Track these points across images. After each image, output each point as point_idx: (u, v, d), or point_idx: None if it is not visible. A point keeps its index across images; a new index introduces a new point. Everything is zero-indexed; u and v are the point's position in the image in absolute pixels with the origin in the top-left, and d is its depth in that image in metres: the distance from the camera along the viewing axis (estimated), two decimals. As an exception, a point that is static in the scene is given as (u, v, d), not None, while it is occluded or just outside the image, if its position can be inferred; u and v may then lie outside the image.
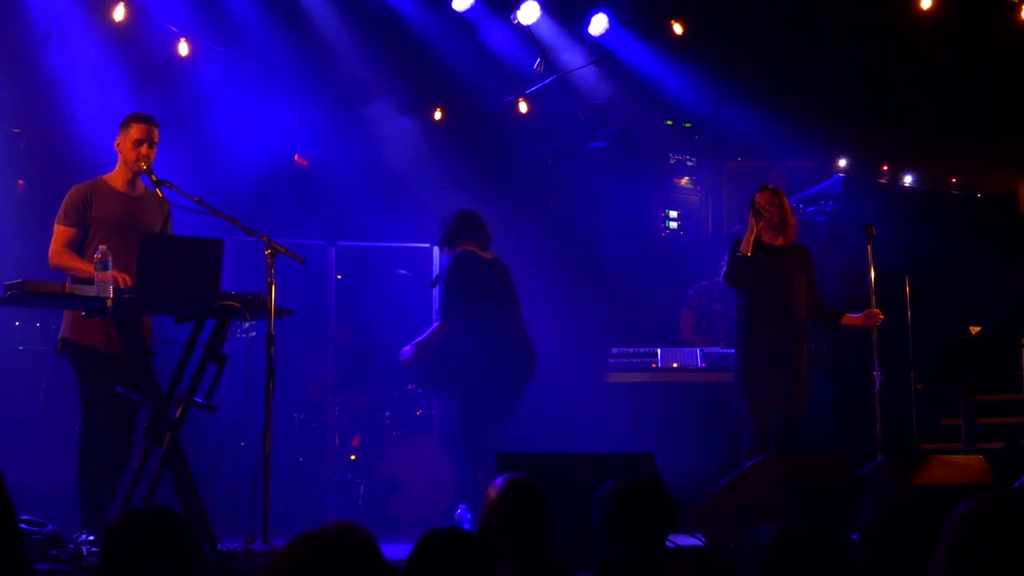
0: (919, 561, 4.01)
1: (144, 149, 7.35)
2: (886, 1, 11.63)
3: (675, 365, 10.71)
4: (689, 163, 12.94)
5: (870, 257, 8.94)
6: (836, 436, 10.04)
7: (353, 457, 10.35)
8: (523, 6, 11.13)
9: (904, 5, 11.22)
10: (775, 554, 4.15)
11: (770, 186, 9.16)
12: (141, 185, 7.52)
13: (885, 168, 13.17)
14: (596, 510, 5.14)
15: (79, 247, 7.29)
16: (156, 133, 7.43)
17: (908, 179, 13.06)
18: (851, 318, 9.03)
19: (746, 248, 8.77)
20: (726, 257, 9.07)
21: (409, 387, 10.61)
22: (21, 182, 10.13)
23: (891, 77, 12.15)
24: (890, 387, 9.10)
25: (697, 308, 11.17)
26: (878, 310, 8.88)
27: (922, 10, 11.02)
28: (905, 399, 9.58)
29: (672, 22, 11.30)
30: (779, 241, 8.97)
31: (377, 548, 3.19)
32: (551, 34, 11.70)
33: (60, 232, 7.34)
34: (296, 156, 11.47)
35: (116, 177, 7.50)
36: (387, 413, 10.61)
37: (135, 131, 7.37)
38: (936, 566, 3.27)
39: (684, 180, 12.92)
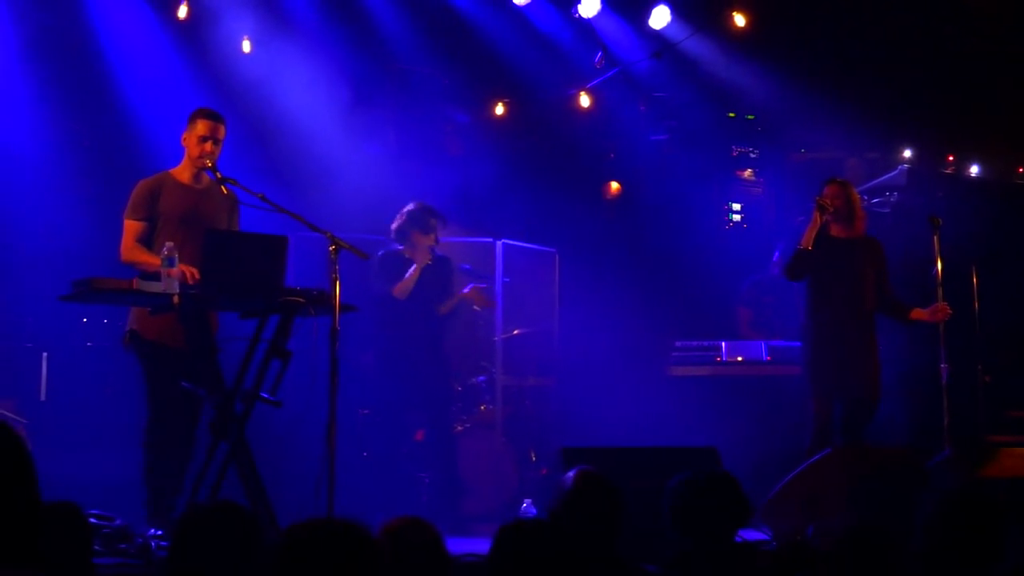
0: (977, 552, 3.98)
1: (209, 146, 7.38)
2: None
3: (739, 358, 10.67)
4: (752, 155, 12.88)
5: (936, 248, 8.87)
6: (902, 428, 9.97)
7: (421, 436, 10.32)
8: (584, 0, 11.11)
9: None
10: (850, 545, 4.13)
11: (838, 178, 9.10)
12: (206, 178, 7.53)
13: (950, 159, 13.04)
14: (666, 502, 5.13)
15: (148, 240, 7.34)
16: (222, 130, 7.46)
17: (974, 169, 12.92)
18: (919, 312, 8.95)
19: (806, 242, 8.73)
20: (777, 251, 9.04)
21: (472, 381, 10.61)
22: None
23: (957, 66, 12.03)
24: (957, 379, 9.02)
25: (751, 303, 11.13)
26: (945, 304, 8.80)
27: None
28: (972, 391, 9.50)
29: (734, 13, 11.24)
30: (848, 233, 8.91)
31: (371, 541, 3.18)
32: (612, 27, 11.67)
33: (130, 227, 7.39)
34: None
35: (182, 171, 7.54)
36: (451, 407, 10.62)
37: (201, 127, 7.41)
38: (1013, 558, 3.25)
39: (747, 172, 12.86)
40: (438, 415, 9.69)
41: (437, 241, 9.54)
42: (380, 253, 9.61)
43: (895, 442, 9.41)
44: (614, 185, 12.38)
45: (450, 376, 10.01)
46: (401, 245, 9.58)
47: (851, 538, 4.14)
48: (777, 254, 10.95)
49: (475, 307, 10.18)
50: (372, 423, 10.29)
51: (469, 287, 9.76)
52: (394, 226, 9.61)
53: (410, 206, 9.59)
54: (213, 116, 7.47)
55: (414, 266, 9.42)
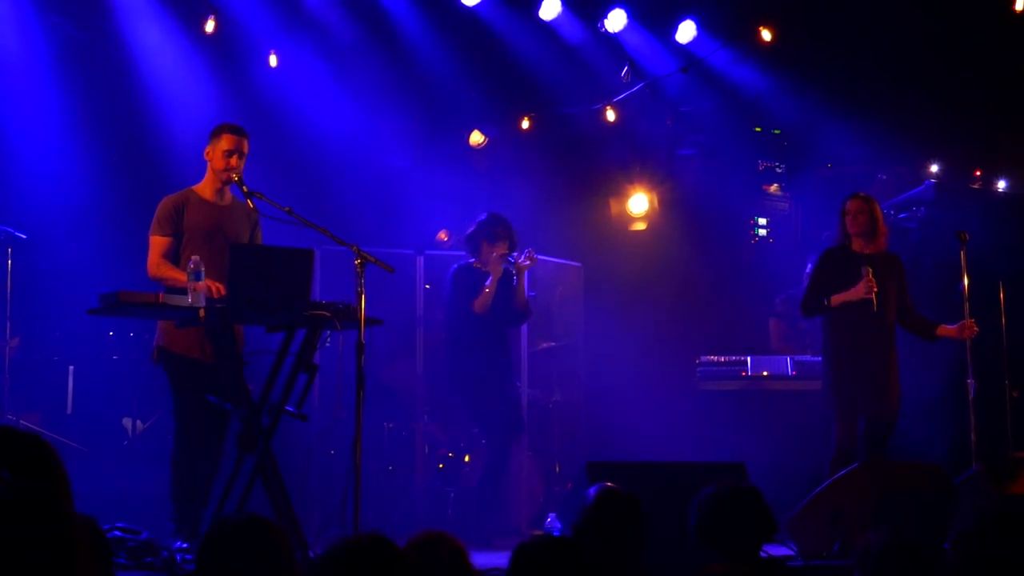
0: (1013, 571, 3.96)
1: (234, 160, 7.39)
2: (979, 4, 11.51)
3: (765, 373, 10.64)
4: (778, 170, 12.86)
5: (963, 263, 8.84)
6: (930, 445, 9.93)
7: (441, 466, 10.35)
8: (611, 14, 11.12)
9: (997, 7, 11.10)
10: (889, 562, 4.11)
11: (861, 193, 9.07)
12: (230, 195, 7.56)
13: (978, 173, 13.00)
14: (692, 516, 5.12)
15: (175, 257, 7.36)
16: (246, 144, 7.47)
17: (1001, 184, 12.88)
18: (946, 329, 8.91)
19: (835, 302, 8.69)
20: (809, 266, 9.01)
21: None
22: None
23: (986, 80, 12.00)
24: (984, 394, 8.99)
25: (785, 316, 11.10)
26: (972, 320, 8.77)
27: (1016, 11, 10.90)
28: (1000, 407, 9.45)
29: (760, 28, 11.24)
30: (870, 249, 8.88)
31: (399, 557, 3.17)
32: (638, 42, 11.68)
33: (156, 243, 7.40)
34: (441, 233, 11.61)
35: (205, 187, 7.54)
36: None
37: (225, 142, 7.42)
38: None
39: (773, 187, 12.83)
40: (504, 431, 9.62)
41: (509, 250, 9.46)
42: (453, 267, 9.65)
43: (923, 458, 9.37)
44: (637, 213, 12.34)
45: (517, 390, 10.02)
46: (473, 257, 9.58)
47: (887, 553, 4.12)
48: (809, 267, 10.94)
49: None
50: (397, 436, 10.31)
51: (521, 256, 9.49)
52: (466, 236, 9.64)
53: (481, 216, 9.62)
54: (237, 130, 7.48)
55: (490, 279, 9.40)
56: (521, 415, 9.90)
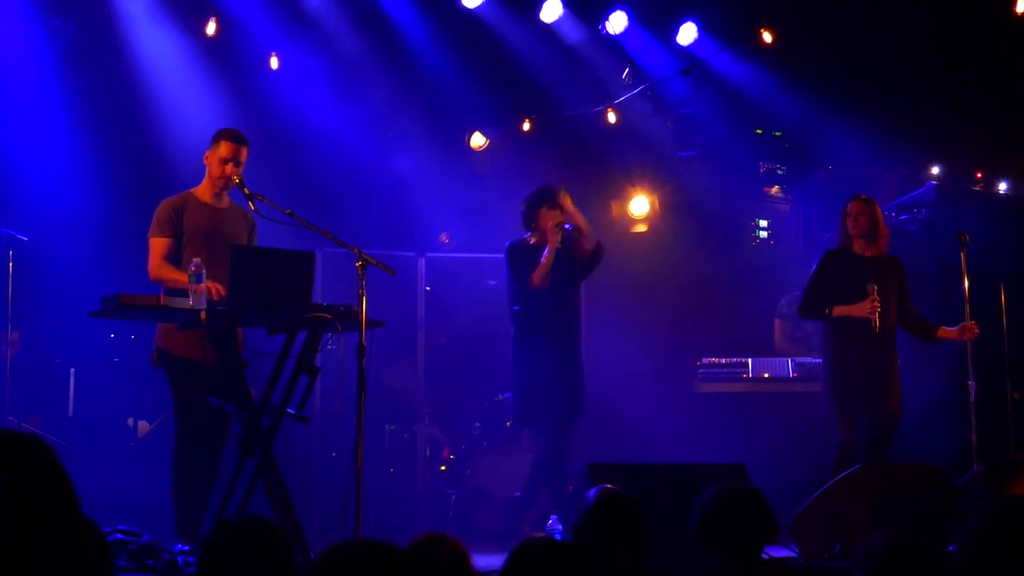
0: (1016, 573, 3.95)
1: (229, 168, 7.42)
2: (980, 6, 11.50)
3: (766, 375, 10.65)
4: (779, 172, 12.84)
5: (964, 265, 8.84)
6: (930, 446, 9.93)
7: (443, 468, 10.37)
8: (612, 16, 11.12)
9: (997, 9, 11.10)
10: (890, 563, 4.11)
11: (863, 195, 9.07)
12: (227, 198, 7.60)
13: (979, 175, 13.00)
14: (693, 517, 5.11)
15: (175, 259, 7.37)
16: (245, 152, 7.49)
17: (1002, 186, 12.87)
18: (946, 331, 8.91)
19: (836, 313, 8.70)
20: (814, 267, 9.01)
21: (499, 398, 10.60)
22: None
23: (985, 82, 11.99)
24: (985, 396, 8.98)
25: (790, 317, 11.09)
26: (973, 322, 8.77)
27: (1017, 14, 10.90)
28: (1001, 408, 9.45)
29: (761, 31, 11.24)
30: (870, 252, 8.88)
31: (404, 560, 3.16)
32: (639, 44, 11.68)
33: (157, 244, 7.42)
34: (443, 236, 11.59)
35: (204, 190, 7.57)
36: (477, 424, 10.63)
37: (223, 149, 7.45)
38: None
39: (774, 189, 12.82)
40: (565, 416, 9.18)
41: (565, 215, 9.11)
42: (507, 245, 9.30)
43: (923, 460, 9.36)
44: (638, 215, 12.34)
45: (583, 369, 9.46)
46: (529, 232, 9.22)
47: (888, 554, 4.11)
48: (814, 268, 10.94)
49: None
50: (399, 438, 10.31)
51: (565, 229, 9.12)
52: (522, 213, 9.24)
53: (530, 190, 9.28)
54: (236, 138, 7.50)
55: (547, 249, 8.99)
56: (584, 398, 9.37)
